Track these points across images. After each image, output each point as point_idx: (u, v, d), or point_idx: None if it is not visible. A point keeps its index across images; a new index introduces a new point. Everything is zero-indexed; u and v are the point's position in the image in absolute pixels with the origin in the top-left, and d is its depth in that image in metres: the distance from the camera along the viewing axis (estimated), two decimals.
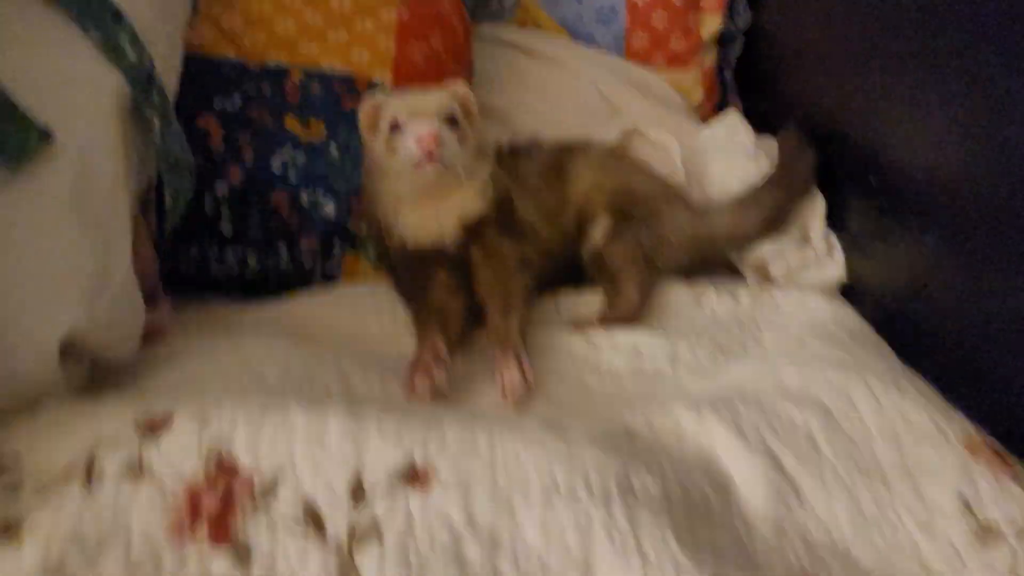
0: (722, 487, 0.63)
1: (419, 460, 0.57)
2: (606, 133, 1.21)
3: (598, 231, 1.00)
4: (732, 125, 1.27)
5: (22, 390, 0.60)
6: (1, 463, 0.53)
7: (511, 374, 0.77)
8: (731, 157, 1.19)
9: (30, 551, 0.48)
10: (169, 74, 0.79)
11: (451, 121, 0.84)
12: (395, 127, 0.83)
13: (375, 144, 0.86)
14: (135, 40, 0.72)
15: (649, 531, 0.54)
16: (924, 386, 0.75)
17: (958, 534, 0.61)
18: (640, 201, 1.02)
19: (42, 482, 0.52)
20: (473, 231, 0.88)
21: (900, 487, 0.64)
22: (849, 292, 1.08)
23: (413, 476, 0.56)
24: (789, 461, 0.65)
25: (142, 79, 0.72)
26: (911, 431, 0.68)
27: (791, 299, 0.97)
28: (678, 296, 1.00)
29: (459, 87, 0.89)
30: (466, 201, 0.87)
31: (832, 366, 0.75)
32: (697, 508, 0.60)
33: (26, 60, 0.64)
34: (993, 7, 0.83)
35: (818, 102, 1.21)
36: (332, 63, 0.99)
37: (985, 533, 0.61)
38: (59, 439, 0.55)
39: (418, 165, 0.80)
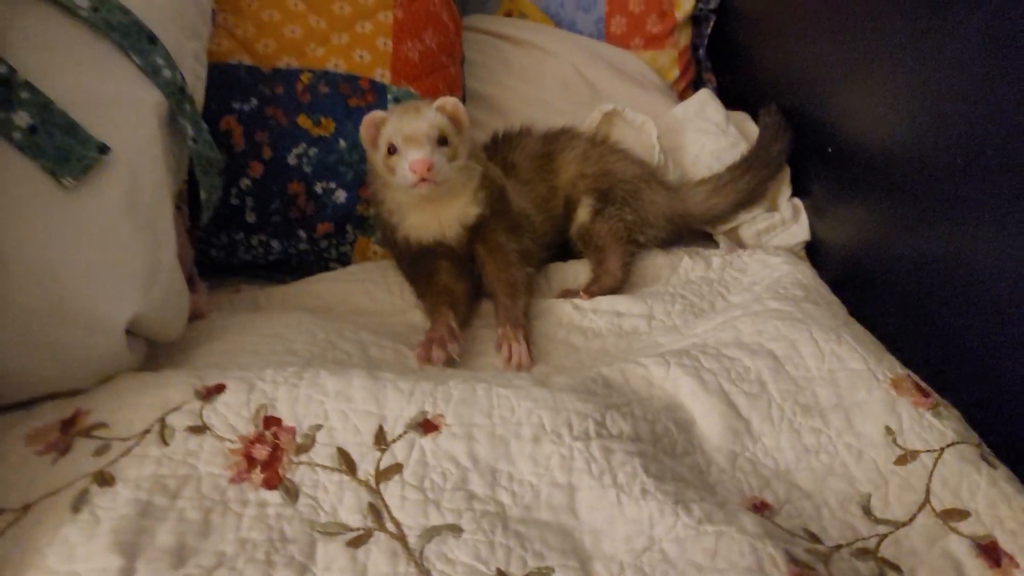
0: (685, 426, 0.75)
1: (429, 411, 0.68)
2: (589, 114, 1.31)
3: (584, 212, 1.12)
4: (703, 102, 1.37)
5: (98, 368, 0.72)
6: (90, 432, 0.65)
7: (519, 348, 0.88)
8: (703, 133, 1.30)
9: (123, 491, 0.60)
10: (197, 85, 0.89)
11: (442, 141, 0.92)
12: (392, 150, 0.92)
13: (376, 158, 0.95)
14: (168, 59, 0.82)
15: (621, 461, 0.66)
16: (862, 333, 0.87)
17: (883, 459, 0.72)
18: (620, 183, 1.13)
19: (125, 442, 0.64)
20: (474, 229, 0.97)
21: (836, 422, 0.75)
22: (813, 252, 1.19)
23: (425, 424, 0.67)
24: (742, 402, 0.77)
25: (176, 93, 0.83)
26: (846, 374, 0.79)
27: (756, 260, 1.08)
28: (655, 262, 1.12)
29: (448, 102, 0.95)
30: (464, 207, 0.97)
31: (783, 319, 0.87)
32: (662, 443, 0.71)
33: (81, 85, 0.74)
34: None
35: (782, 75, 1.31)
36: (337, 64, 1.09)
37: (904, 456, 0.72)
38: (135, 407, 0.66)
39: (414, 186, 0.89)
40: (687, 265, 1.10)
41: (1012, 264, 0.78)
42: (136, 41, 0.79)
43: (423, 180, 0.88)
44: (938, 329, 0.90)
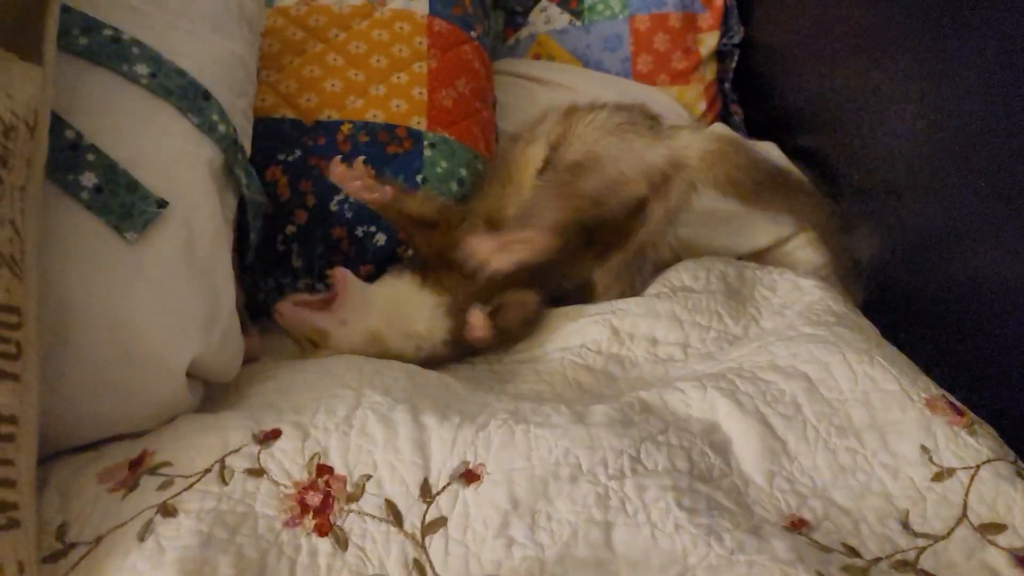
0: (721, 448, 0.77)
1: (471, 460, 0.71)
2: None
3: None
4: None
5: (162, 410, 0.76)
6: (156, 470, 0.69)
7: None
8: None
9: (186, 521, 0.63)
10: (245, 139, 0.94)
11: None
12: None
13: None
14: (222, 114, 0.88)
15: (654, 498, 0.68)
16: (895, 354, 0.88)
17: (919, 477, 0.74)
18: None
19: (188, 479, 0.68)
20: None
21: (871, 442, 0.77)
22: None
23: (468, 474, 0.70)
24: (778, 422, 0.79)
25: (230, 145, 0.88)
26: (880, 395, 0.80)
27: (786, 280, 1.09)
28: (689, 275, 1.12)
29: None
30: None
31: (816, 343, 0.88)
32: (699, 468, 0.73)
33: (142, 145, 0.80)
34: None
35: (807, 105, 1.33)
36: (375, 114, 1.14)
37: (941, 474, 0.74)
38: (197, 448, 0.70)
39: None
40: (720, 269, 1.11)
41: None
42: (193, 101, 0.85)
43: None
44: (971, 352, 0.91)
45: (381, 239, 1.11)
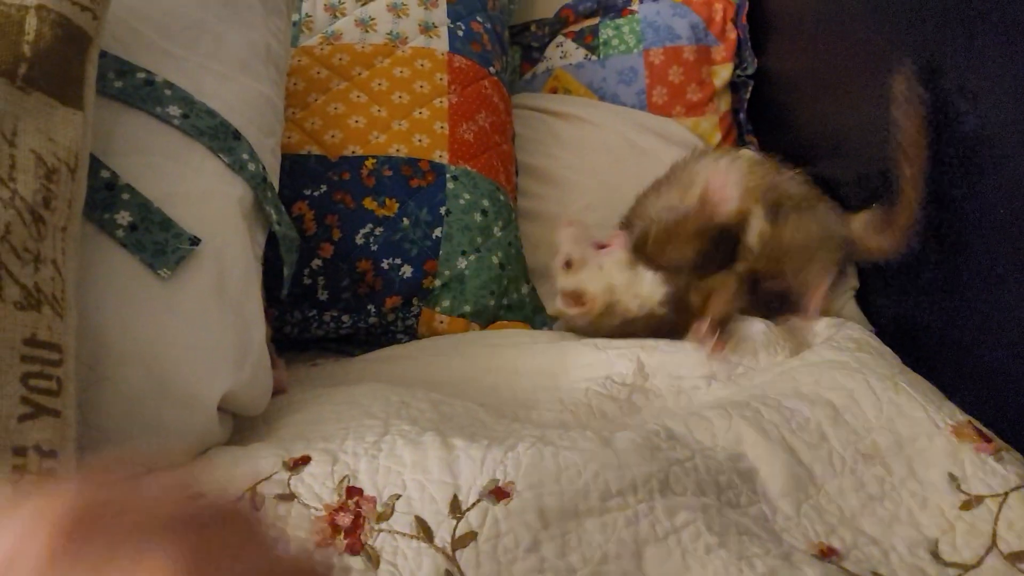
0: (748, 476, 0.77)
1: (500, 478, 0.71)
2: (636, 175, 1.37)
3: (757, 221, 1.14)
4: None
5: (195, 443, 0.78)
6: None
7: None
8: None
9: None
10: (274, 176, 0.97)
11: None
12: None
13: None
14: (252, 153, 0.90)
15: (685, 521, 0.69)
16: (918, 380, 0.88)
17: (948, 505, 0.74)
18: (788, 198, 1.17)
19: None
20: None
21: (898, 469, 0.77)
22: (861, 299, 1.21)
23: (497, 492, 0.70)
24: (803, 451, 0.79)
25: (260, 183, 0.90)
26: (906, 422, 0.81)
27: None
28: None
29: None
30: None
31: (839, 369, 0.89)
32: (727, 495, 0.74)
33: (175, 184, 0.82)
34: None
35: (821, 134, 1.35)
36: (398, 149, 1.16)
37: (969, 502, 0.74)
38: (229, 478, 0.72)
39: None
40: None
41: None
42: (223, 141, 0.87)
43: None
44: (996, 378, 0.91)
45: (407, 271, 1.13)
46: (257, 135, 0.93)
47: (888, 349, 1.00)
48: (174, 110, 0.85)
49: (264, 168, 0.91)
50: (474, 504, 0.70)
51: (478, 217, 1.16)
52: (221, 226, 0.84)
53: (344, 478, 0.71)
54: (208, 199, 0.84)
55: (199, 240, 0.80)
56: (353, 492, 0.70)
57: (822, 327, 1.06)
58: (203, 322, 0.79)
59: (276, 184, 0.97)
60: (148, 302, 0.77)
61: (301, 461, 0.73)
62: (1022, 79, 0.87)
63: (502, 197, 1.22)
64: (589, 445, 0.75)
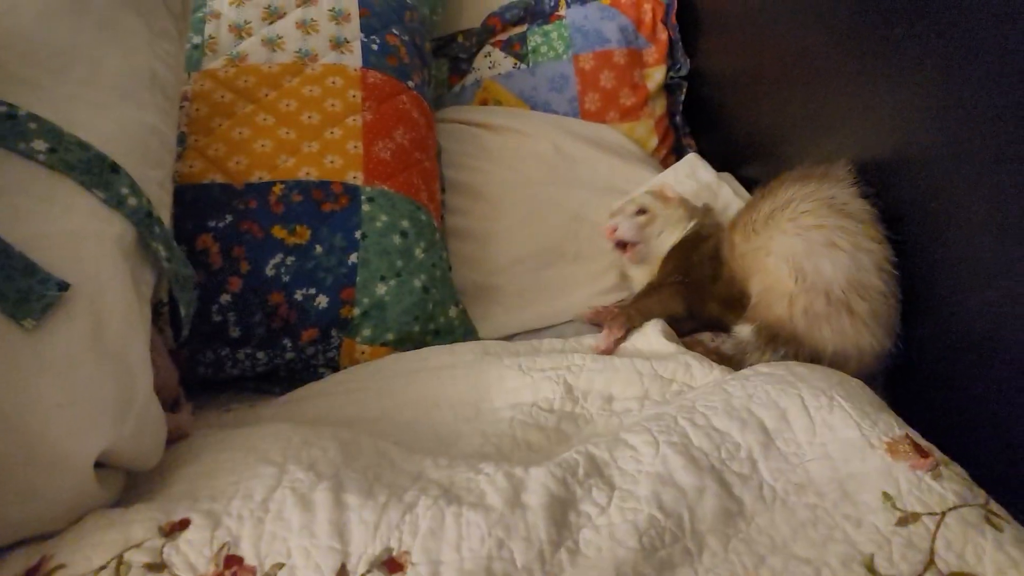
0: (673, 510, 0.71)
1: (395, 547, 0.65)
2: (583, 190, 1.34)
3: None
4: (693, 165, 1.36)
5: (69, 508, 0.70)
6: (49, 572, 0.64)
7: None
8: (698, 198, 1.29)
9: None
10: (162, 210, 0.90)
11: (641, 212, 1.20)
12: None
13: None
14: (133, 187, 0.83)
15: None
16: (856, 392, 0.83)
17: (883, 522, 0.69)
18: None
19: None
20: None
21: (832, 495, 0.72)
22: None
23: (390, 563, 0.64)
24: (734, 482, 0.74)
25: (144, 219, 0.83)
26: (839, 445, 0.76)
27: None
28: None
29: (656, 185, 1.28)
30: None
31: (773, 383, 0.84)
32: (648, 536, 0.68)
33: (40, 226, 0.75)
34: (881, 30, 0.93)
35: (758, 135, 1.31)
36: (308, 172, 1.10)
37: (906, 518, 0.69)
38: (96, 545, 0.65)
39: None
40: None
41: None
42: (98, 176, 0.80)
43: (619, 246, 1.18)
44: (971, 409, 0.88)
45: (323, 301, 1.07)
46: (140, 167, 0.86)
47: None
48: (39, 144, 0.78)
49: (149, 202, 0.85)
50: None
51: (397, 239, 1.11)
52: (96, 268, 0.77)
53: (224, 545, 0.65)
54: (80, 239, 0.77)
55: (68, 285, 0.73)
56: (232, 561, 0.64)
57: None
58: (75, 375, 0.72)
59: (167, 218, 0.90)
60: (11, 357, 0.70)
61: (179, 525, 0.67)
62: (940, 67, 0.84)
63: (424, 217, 1.16)
64: (497, 500, 0.70)
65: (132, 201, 0.82)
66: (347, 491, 0.70)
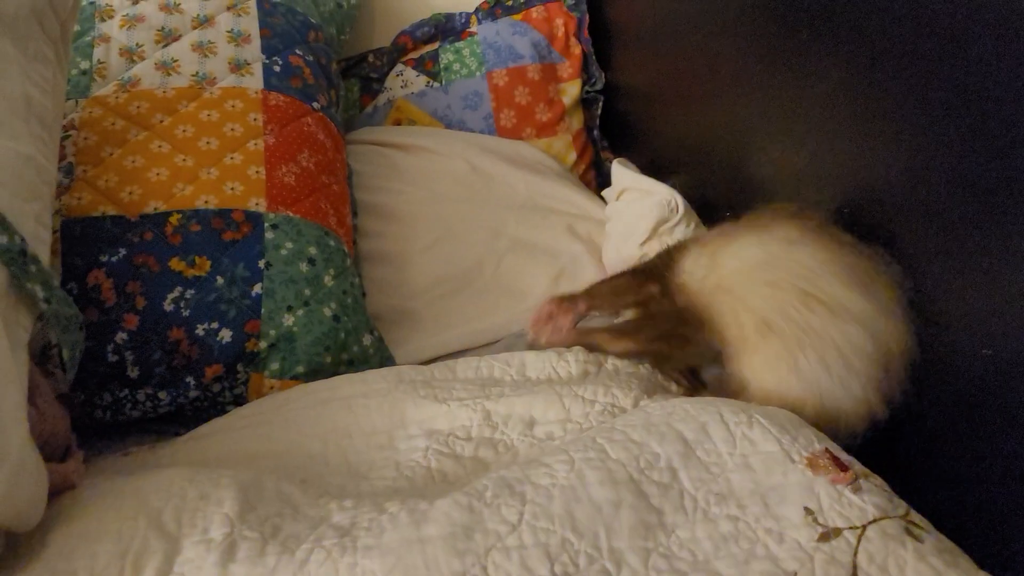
0: (588, 527, 0.68)
1: None
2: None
3: None
4: (619, 173, 1.33)
5: None
6: None
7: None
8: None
9: None
10: (40, 247, 0.84)
11: None
12: None
13: None
14: (4, 223, 0.78)
15: None
16: (772, 411, 0.82)
17: (805, 538, 0.68)
18: None
19: None
20: None
21: (753, 507, 0.70)
22: None
23: None
24: (652, 491, 0.71)
25: (16, 258, 0.78)
26: (760, 458, 0.74)
27: None
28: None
29: None
30: None
31: (691, 403, 0.82)
32: (560, 560, 0.65)
33: None
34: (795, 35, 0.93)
35: (676, 145, 1.30)
36: (207, 200, 1.05)
37: (827, 534, 0.67)
38: None
39: None
40: None
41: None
42: None
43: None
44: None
45: (226, 335, 1.01)
46: (13, 201, 0.80)
47: None
48: None
49: (23, 239, 0.79)
50: None
51: (304, 267, 1.06)
52: None
53: None
54: None
55: None
56: None
57: None
58: None
59: (46, 255, 0.84)
60: None
61: None
62: (846, 68, 0.83)
63: (332, 242, 1.11)
64: (395, 539, 0.66)
65: (2, 239, 0.76)
66: (236, 560, 0.65)
